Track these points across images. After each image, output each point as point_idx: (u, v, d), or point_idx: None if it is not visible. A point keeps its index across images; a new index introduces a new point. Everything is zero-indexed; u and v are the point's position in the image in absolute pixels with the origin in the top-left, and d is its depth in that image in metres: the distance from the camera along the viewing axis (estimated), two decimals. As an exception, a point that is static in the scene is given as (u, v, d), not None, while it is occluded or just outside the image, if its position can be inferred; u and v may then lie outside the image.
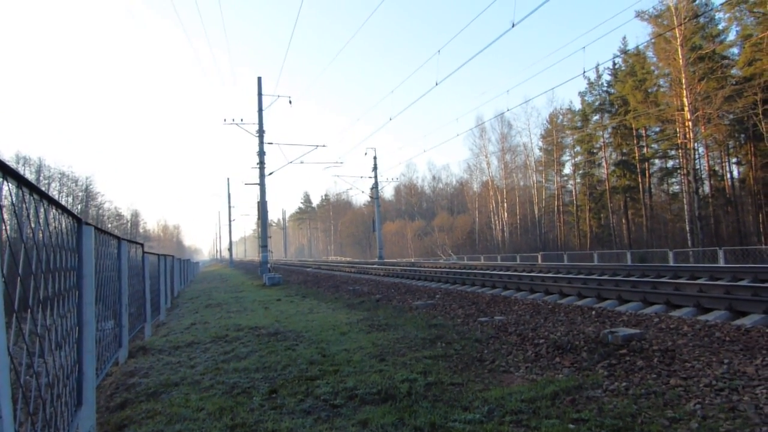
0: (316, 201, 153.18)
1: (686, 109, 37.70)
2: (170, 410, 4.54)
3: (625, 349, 5.41)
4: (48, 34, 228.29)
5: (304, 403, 4.56)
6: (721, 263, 22.59)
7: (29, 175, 57.89)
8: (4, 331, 2.06)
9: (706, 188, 44.03)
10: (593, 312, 8.32)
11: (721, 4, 39.21)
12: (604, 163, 56.33)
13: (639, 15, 40.42)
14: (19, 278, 2.39)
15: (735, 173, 46.38)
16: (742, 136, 41.54)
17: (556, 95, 74.61)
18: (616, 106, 52.69)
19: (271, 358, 6.49)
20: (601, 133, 55.91)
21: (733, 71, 39.76)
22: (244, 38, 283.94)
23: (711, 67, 38.12)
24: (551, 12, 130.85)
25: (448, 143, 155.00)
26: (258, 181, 28.79)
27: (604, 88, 56.34)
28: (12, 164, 2.61)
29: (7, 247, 2.23)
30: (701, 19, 40.25)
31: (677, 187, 50.54)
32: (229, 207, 69.25)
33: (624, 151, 53.06)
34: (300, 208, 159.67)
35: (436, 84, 22.61)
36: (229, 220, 70.25)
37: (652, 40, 41.19)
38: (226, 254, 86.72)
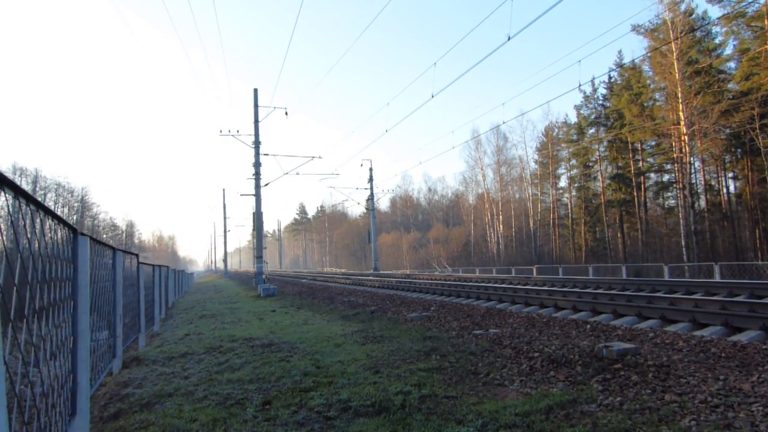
0: (311, 212, 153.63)
1: (682, 123, 37.91)
2: (164, 421, 4.52)
3: (620, 363, 5.41)
4: (44, 45, 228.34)
5: (297, 415, 4.54)
6: (717, 278, 22.57)
7: (26, 186, 57.78)
8: (0, 341, 2.06)
9: (702, 203, 44.08)
10: (588, 326, 8.32)
11: (718, 18, 39.57)
12: (599, 177, 56.51)
13: (635, 29, 40.84)
14: (15, 288, 2.39)
15: (731, 188, 46.58)
16: (739, 150, 41.71)
17: (552, 108, 75.14)
18: (612, 120, 52.94)
19: (265, 369, 6.47)
20: (596, 146, 56.15)
21: (730, 85, 40.01)
22: (241, 50, 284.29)
23: (707, 81, 38.33)
24: (547, 26, 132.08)
25: (443, 155, 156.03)
26: (254, 192, 28.69)
27: (600, 102, 56.66)
28: (9, 175, 2.62)
29: (3, 257, 2.23)
30: (698, 33, 40.50)
31: (673, 201, 50.71)
32: (225, 218, 69.11)
33: (619, 164, 53.25)
34: (295, 219, 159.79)
35: (432, 96, 22.65)
36: (225, 231, 69.97)
37: (648, 54, 41.48)
38: (220, 265, 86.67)
